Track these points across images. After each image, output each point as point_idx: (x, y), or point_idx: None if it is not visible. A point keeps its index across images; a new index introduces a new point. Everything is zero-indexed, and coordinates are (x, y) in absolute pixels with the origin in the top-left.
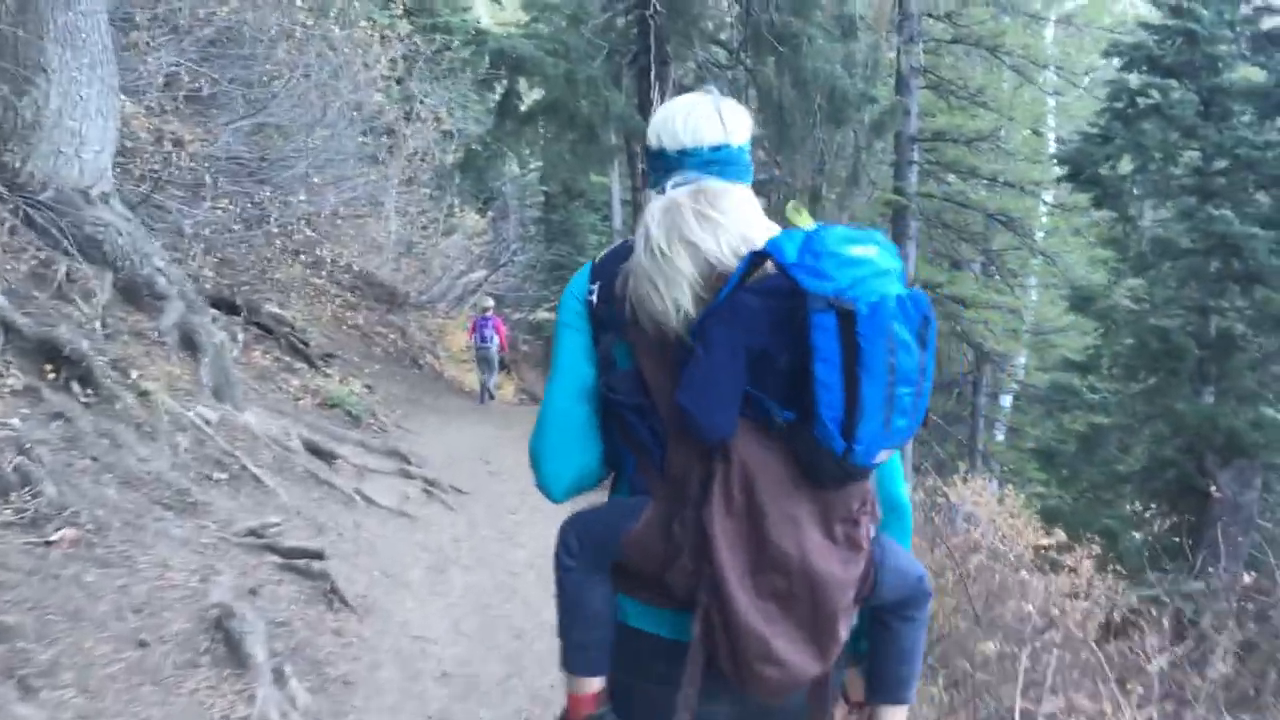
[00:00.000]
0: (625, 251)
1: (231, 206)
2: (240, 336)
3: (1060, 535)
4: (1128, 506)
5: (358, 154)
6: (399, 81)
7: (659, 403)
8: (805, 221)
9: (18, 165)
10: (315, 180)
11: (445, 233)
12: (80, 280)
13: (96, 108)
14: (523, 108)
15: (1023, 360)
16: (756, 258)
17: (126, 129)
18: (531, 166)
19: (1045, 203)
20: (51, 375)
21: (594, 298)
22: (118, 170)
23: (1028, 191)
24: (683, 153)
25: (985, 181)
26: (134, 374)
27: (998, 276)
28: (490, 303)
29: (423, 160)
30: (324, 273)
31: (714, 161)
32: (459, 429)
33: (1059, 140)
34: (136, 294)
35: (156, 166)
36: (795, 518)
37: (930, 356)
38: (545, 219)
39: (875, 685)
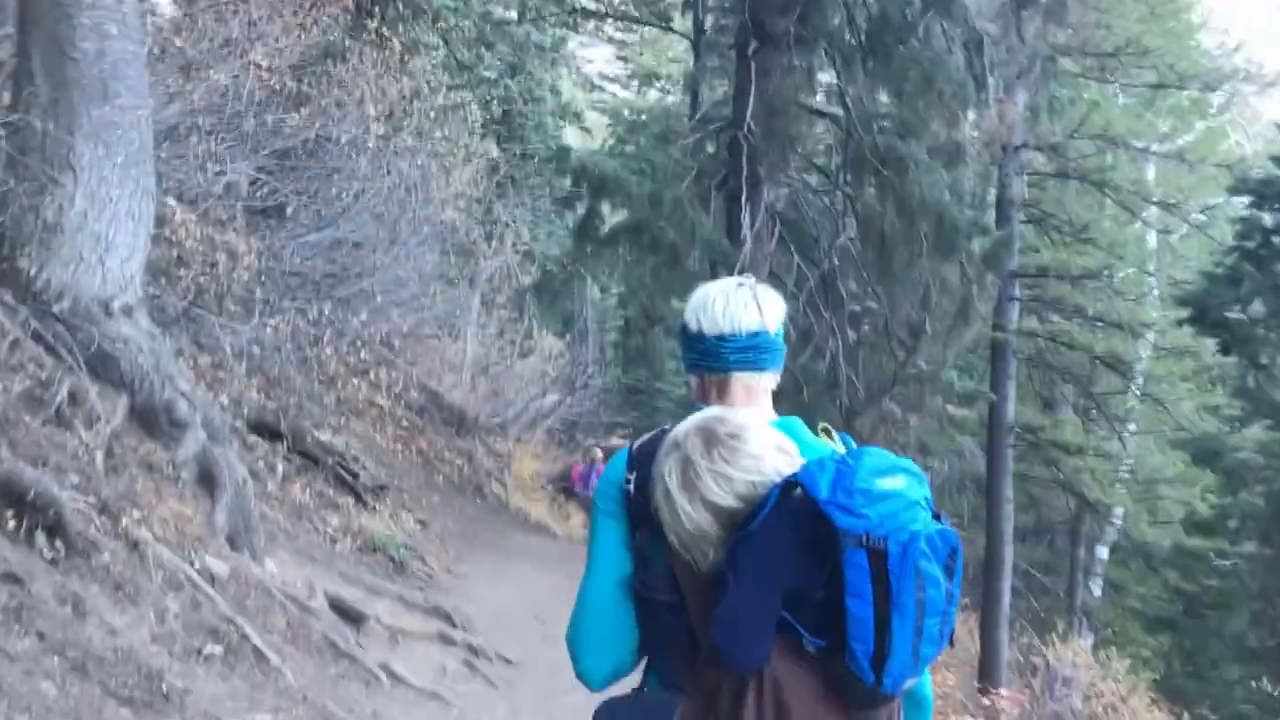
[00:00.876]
0: (661, 441)
1: (285, 325)
2: (280, 468)
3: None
4: (1257, 685)
5: (434, 274)
6: (479, 201)
7: (691, 607)
8: (836, 444)
9: (33, 272)
10: (378, 299)
11: (522, 355)
12: (86, 404)
13: (128, 209)
14: (604, 229)
15: (1120, 511)
16: (788, 487)
17: (174, 237)
18: (612, 290)
19: (1152, 345)
20: (11, 524)
21: (631, 488)
22: (162, 283)
23: (1135, 333)
24: (720, 339)
25: (1090, 321)
26: (128, 519)
27: (1101, 421)
28: (599, 454)
29: (502, 281)
30: (389, 395)
31: (751, 348)
32: (517, 575)
33: (1170, 280)
34: (153, 420)
35: (203, 278)
36: None
37: (956, 585)
38: (623, 344)
39: None
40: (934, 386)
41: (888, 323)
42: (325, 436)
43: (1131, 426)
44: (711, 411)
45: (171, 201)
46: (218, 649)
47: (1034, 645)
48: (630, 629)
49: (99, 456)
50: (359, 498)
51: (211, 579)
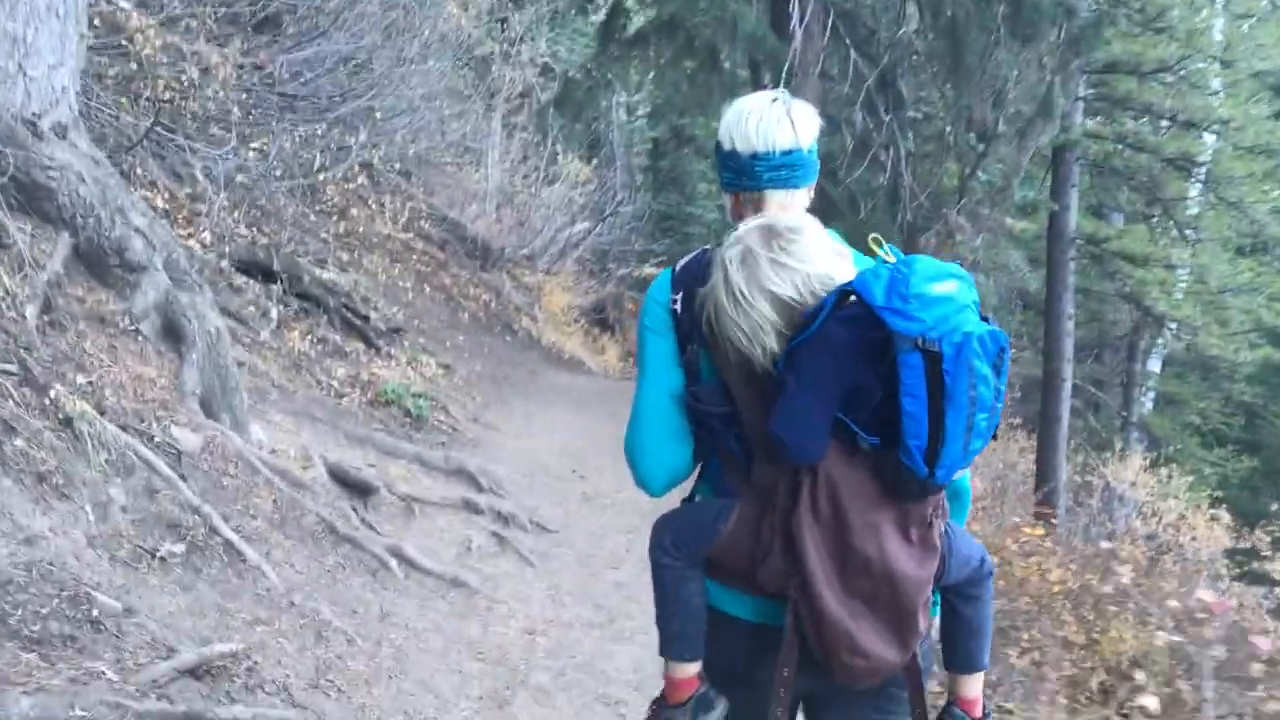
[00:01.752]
0: (703, 261)
1: (272, 147)
2: (274, 312)
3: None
4: None
5: (445, 90)
6: (491, 13)
7: (744, 415)
8: (886, 255)
9: None
10: (380, 118)
11: (548, 181)
12: (13, 247)
13: (48, 3)
14: (630, 29)
15: (1179, 324)
16: (844, 294)
17: (132, 48)
18: (639, 112)
19: (1224, 144)
20: None
21: (677, 307)
22: (123, 102)
23: (1207, 129)
24: (754, 156)
25: (1158, 120)
26: (59, 388)
27: (1167, 228)
28: None
29: (522, 98)
30: (404, 226)
31: (784, 166)
32: (552, 419)
33: (1250, 72)
34: (102, 263)
35: (171, 94)
36: (876, 526)
37: (1003, 381)
38: (653, 167)
39: (950, 657)
40: (1003, 196)
41: (954, 126)
42: (329, 274)
43: (1199, 233)
44: (768, 214)
45: (124, 3)
46: (178, 548)
47: (1089, 463)
48: (684, 437)
49: (31, 311)
50: (370, 342)
51: (178, 456)
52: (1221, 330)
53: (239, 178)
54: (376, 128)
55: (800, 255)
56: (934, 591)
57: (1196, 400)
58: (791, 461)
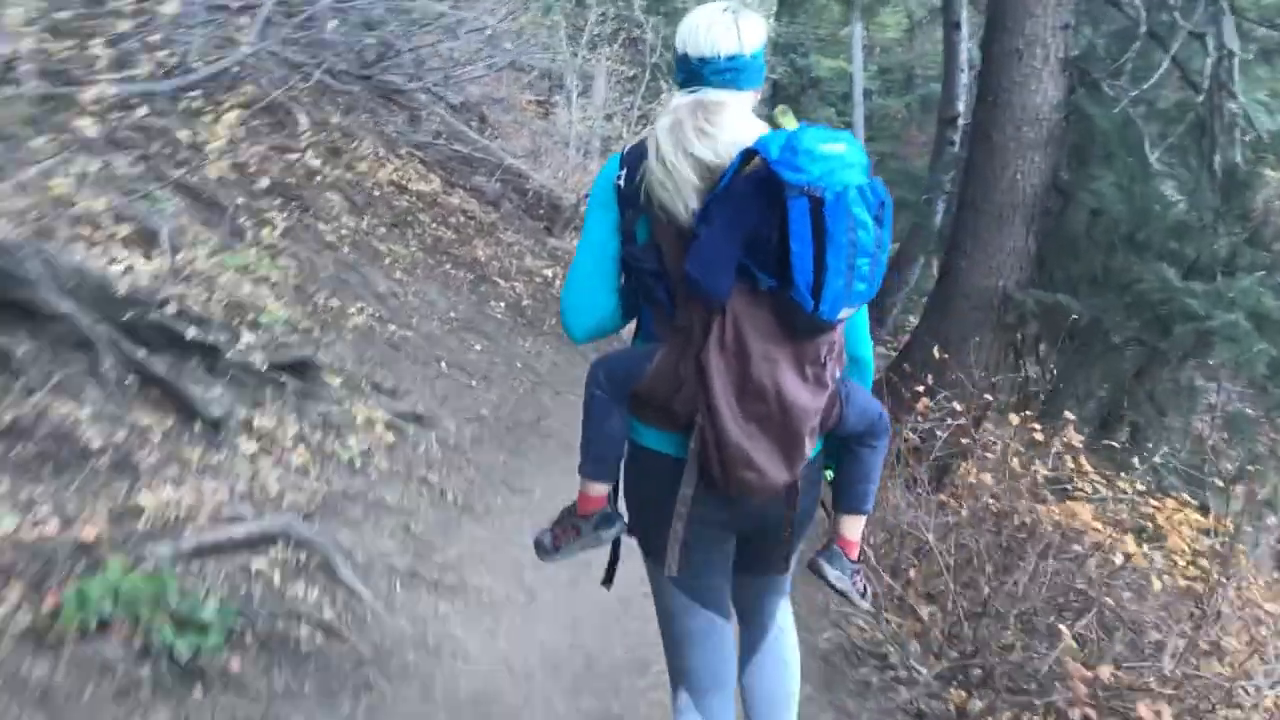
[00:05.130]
0: (645, 147)
1: None
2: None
3: None
4: None
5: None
6: None
7: (671, 270)
8: (790, 123)
9: None
10: None
11: (646, 122)
12: None
13: None
14: None
15: None
16: (747, 154)
17: None
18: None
19: None
20: None
21: (621, 182)
22: None
23: None
24: (703, 60)
25: None
26: None
27: None
28: None
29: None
30: (418, 173)
31: (730, 69)
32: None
33: None
34: None
35: None
36: (774, 358)
37: (886, 233)
38: (772, 98)
39: (840, 498)
40: None
41: None
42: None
43: None
44: (700, 91)
45: None
46: None
47: None
48: (610, 295)
49: None
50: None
51: None
52: None
53: None
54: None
55: (720, 124)
56: (829, 461)
57: None
58: (703, 297)
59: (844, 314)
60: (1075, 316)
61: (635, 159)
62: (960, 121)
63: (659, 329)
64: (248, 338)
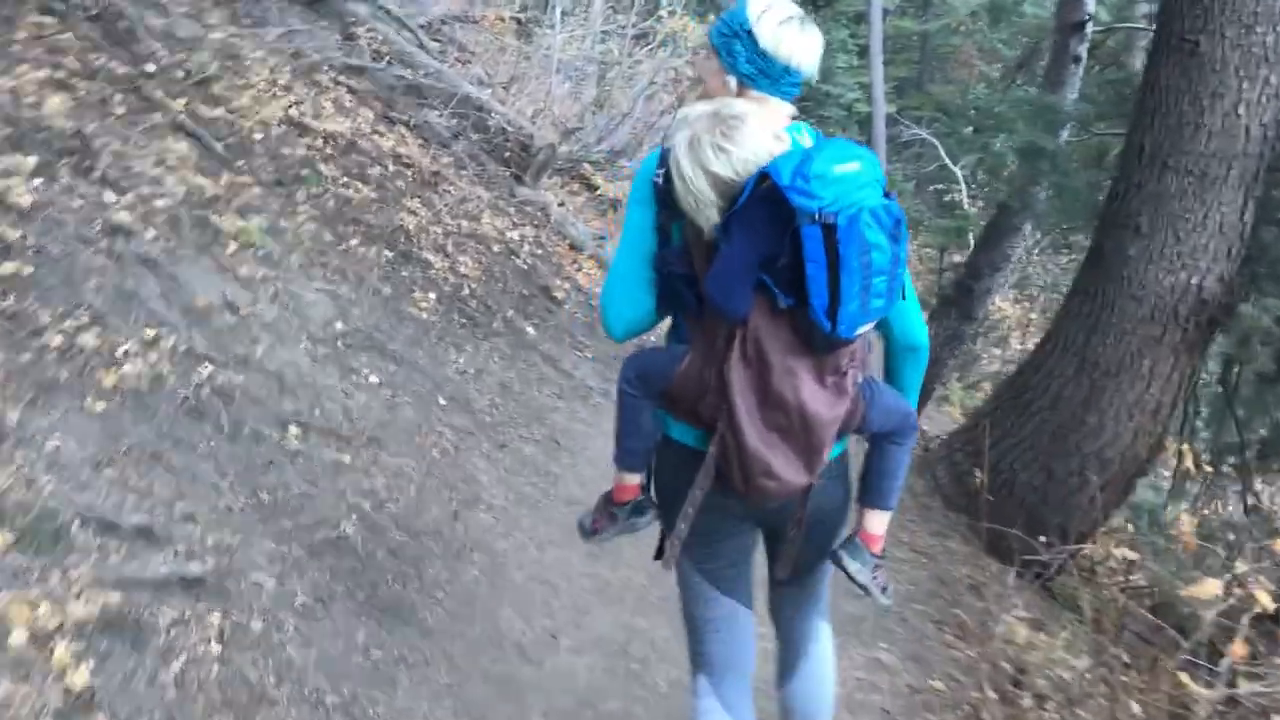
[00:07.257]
0: None
1: None
2: None
3: None
4: None
5: None
6: None
7: (699, 277)
8: (806, 140)
9: None
10: None
11: (643, 47)
12: None
13: None
14: None
15: None
16: (762, 177)
17: None
18: None
19: None
20: None
21: (659, 180)
22: None
23: None
24: (787, 70)
25: None
26: None
27: None
28: None
29: None
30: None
31: (794, 85)
32: None
33: None
34: None
35: None
36: (794, 371)
37: (902, 248)
38: None
39: (864, 493)
40: None
41: None
42: None
43: None
44: (721, 100)
45: None
46: None
47: None
48: (648, 293)
49: None
50: None
51: None
52: None
53: None
54: None
55: (739, 140)
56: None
57: None
58: (721, 315)
59: (862, 331)
60: None
61: None
62: (1089, 28)
63: (689, 331)
64: None
